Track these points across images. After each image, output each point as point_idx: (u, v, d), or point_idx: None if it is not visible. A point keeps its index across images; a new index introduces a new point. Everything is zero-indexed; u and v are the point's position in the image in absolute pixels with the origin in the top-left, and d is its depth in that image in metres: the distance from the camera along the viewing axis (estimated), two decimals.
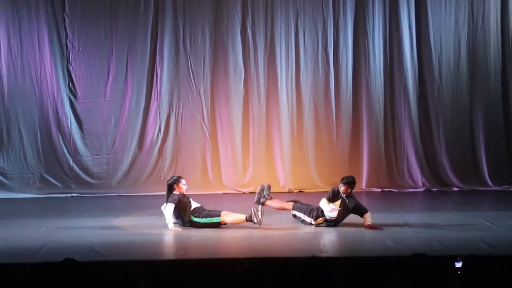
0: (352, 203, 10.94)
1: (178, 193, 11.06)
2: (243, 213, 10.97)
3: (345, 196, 10.94)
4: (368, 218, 10.82)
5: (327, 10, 14.53)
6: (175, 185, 11.11)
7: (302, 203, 11.27)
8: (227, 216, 11.08)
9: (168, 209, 10.92)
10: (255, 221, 10.77)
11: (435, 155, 14.63)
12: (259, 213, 10.78)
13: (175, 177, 11.32)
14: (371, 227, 10.63)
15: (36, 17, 14.39)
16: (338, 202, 10.91)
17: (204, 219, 11.09)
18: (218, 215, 11.06)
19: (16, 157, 14.54)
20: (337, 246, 9.96)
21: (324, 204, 10.95)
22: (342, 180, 11.00)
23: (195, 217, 11.07)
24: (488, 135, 14.58)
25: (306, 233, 10.65)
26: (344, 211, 10.94)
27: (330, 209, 10.85)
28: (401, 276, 6.67)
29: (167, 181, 11.27)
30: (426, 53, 14.56)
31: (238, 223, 11.06)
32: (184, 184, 11.17)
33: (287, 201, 11.42)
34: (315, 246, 9.84)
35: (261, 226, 10.83)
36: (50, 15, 14.39)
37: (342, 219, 10.95)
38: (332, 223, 10.88)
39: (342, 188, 10.95)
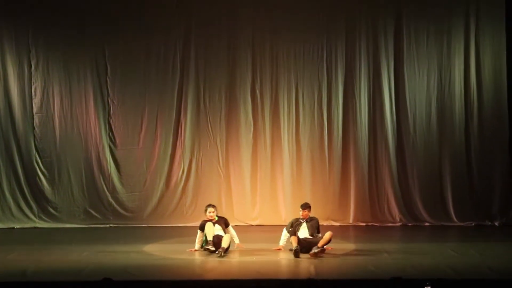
0: (313, 222, 11.14)
1: (205, 219, 11.24)
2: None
3: (306, 220, 11.10)
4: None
5: (322, 75, 14.61)
6: (205, 213, 11.27)
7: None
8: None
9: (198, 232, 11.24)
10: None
11: (410, 196, 14.57)
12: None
13: (206, 206, 11.43)
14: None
15: (84, 79, 14.57)
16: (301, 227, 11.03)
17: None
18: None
19: (65, 194, 14.61)
20: (328, 270, 9.88)
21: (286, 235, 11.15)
22: (301, 206, 11.25)
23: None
24: (453, 180, 14.53)
25: (302, 259, 10.61)
26: (311, 229, 11.05)
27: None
28: None
29: None
30: (403, 112, 14.58)
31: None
32: (209, 212, 11.27)
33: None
34: (310, 270, 9.81)
35: (268, 251, 11.03)
36: (95, 78, 14.57)
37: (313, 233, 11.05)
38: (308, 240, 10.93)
39: (301, 213, 11.15)
